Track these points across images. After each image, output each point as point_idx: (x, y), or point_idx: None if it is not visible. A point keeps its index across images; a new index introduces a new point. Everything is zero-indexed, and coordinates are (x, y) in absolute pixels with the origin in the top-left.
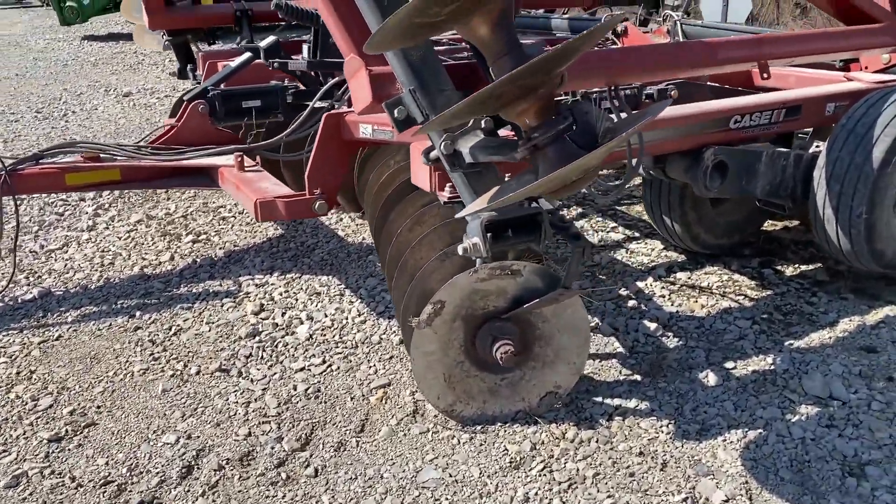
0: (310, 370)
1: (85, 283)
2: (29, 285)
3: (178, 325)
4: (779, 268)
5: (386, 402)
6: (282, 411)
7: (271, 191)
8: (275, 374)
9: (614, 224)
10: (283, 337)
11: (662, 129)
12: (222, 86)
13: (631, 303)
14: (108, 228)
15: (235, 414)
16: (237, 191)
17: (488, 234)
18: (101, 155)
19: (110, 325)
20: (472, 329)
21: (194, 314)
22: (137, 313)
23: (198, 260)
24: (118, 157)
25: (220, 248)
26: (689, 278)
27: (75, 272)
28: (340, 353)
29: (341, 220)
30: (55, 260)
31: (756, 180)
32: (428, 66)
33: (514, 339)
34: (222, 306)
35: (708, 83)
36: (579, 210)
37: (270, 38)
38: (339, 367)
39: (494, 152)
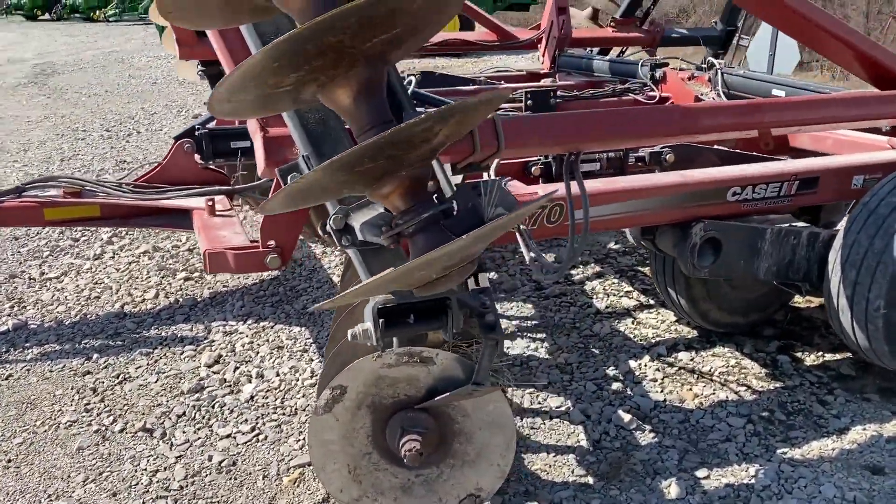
0: (235, 438)
1: (61, 318)
2: (10, 315)
3: (128, 374)
4: (799, 354)
5: (298, 486)
6: (185, 485)
7: (226, 240)
8: (198, 439)
9: (630, 288)
10: (224, 396)
11: (647, 198)
12: (213, 124)
13: (615, 385)
14: (112, 258)
15: (138, 483)
16: (199, 236)
17: (381, 320)
18: (86, 189)
19: (63, 367)
20: (382, 418)
21: (150, 361)
22: (95, 356)
23: (181, 300)
24: (99, 194)
25: (209, 288)
26: (690, 360)
27: (58, 305)
28: (275, 421)
29: (342, 263)
30: (46, 289)
31: (758, 260)
32: (328, 131)
33: (427, 433)
34: (181, 354)
35: (715, 146)
36: (597, 269)
37: None
38: (266, 438)
39: (377, 232)
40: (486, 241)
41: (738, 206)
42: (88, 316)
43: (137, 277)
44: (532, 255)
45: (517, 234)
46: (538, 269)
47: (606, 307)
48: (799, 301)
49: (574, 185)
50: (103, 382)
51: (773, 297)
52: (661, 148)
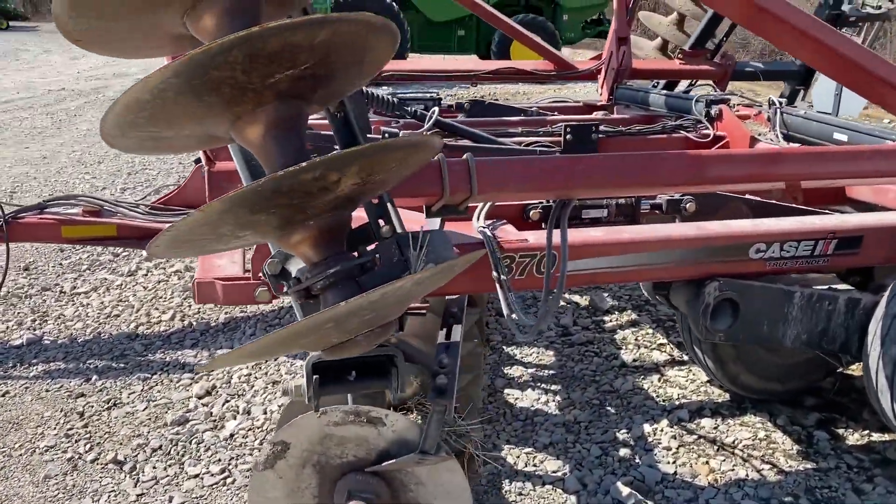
0: (202, 479)
1: (76, 335)
2: (28, 329)
3: (119, 399)
4: (841, 431)
5: None
6: None
7: (220, 269)
8: (165, 476)
9: (664, 340)
10: (205, 432)
11: (653, 251)
12: None
13: (623, 451)
14: (145, 276)
15: None
16: (197, 263)
17: (315, 377)
18: (104, 209)
19: (60, 387)
20: (329, 479)
21: (144, 387)
22: (94, 377)
23: (194, 324)
24: (117, 214)
25: (226, 313)
26: (714, 428)
27: (78, 321)
28: (248, 464)
29: None
30: (72, 304)
31: (784, 326)
32: None
33: (377, 500)
34: (177, 382)
35: (746, 195)
36: (633, 316)
37: None
38: (234, 481)
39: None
40: (401, 300)
41: (761, 264)
42: (102, 335)
43: (161, 297)
44: (509, 309)
45: (497, 284)
46: (514, 325)
47: (634, 360)
48: (854, 367)
49: (570, 234)
50: (93, 406)
51: (817, 363)
52: (682, 196)
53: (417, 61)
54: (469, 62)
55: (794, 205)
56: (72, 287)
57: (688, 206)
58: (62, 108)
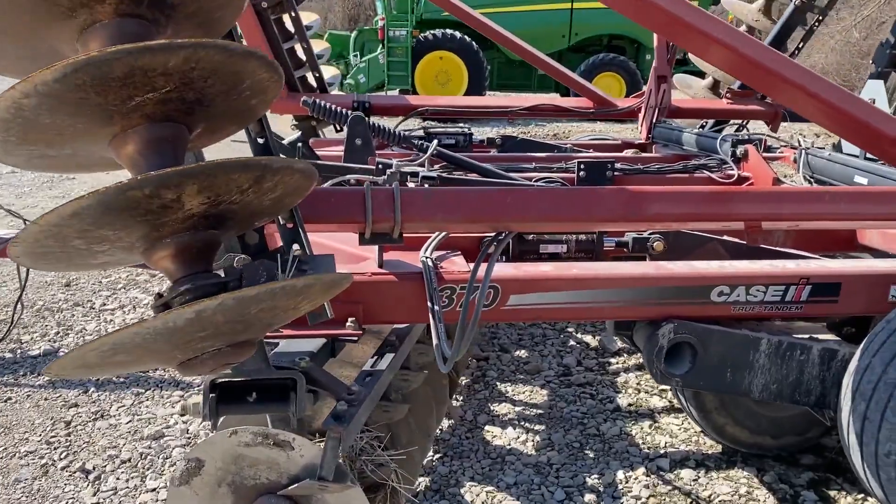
0: (158, 493)
1: None
2: (49, 340)
3: (107, 411)
4: (833, 493)
5: None
6: None
7: None
8: (125, 488)
9: (666, 387)
10: (175, 448)
11: (610, 289)
12: None
13: (588, 497)
14: None
15: None
16: None
17: (212, 395)
18: None
19: (59, 397)
20: (244, 500)
21: (135, 401)
22: (92, 389)
23: None
24: None
25: None
26: (693, 480)
27: (95, 335)
28: None
29: None
30: (97, 320)
31: (751, 375)
32: None
33: None
34: (168, 398)
35: (725, 237)
36: (640, 359)
37: (295, 135)
38: None
39: None
40: (248, 319)
41: (726, 308)
42: None
43: None
44: (437, 339)
45: (430, 315)
46: (438, 357)
47: (629, 405)
48: None
49: (521, 267)
50: (81, 416)
51: (815, 418)
52: (650, 234)
53: (452, 99)
54: (515, 99)
55: (781, 249)
56: (102, 304)
57: (655, 244)
58: None
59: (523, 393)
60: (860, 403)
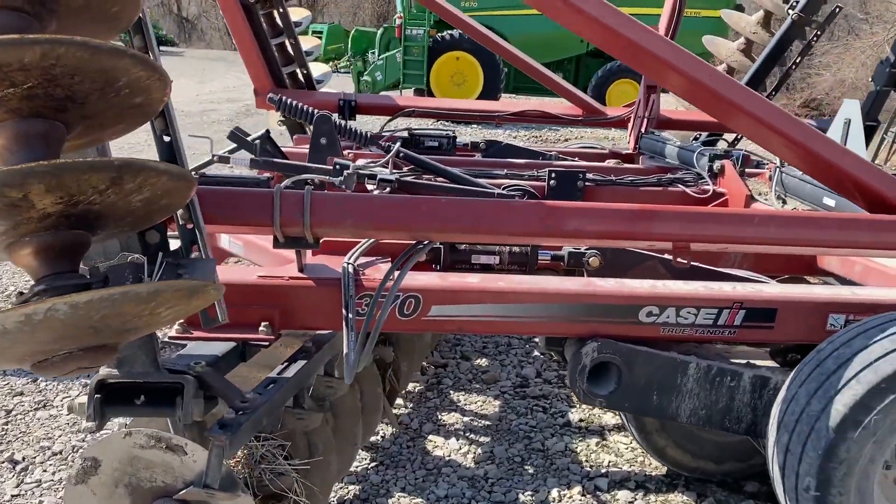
0: None
1: None
2: None
3: (51, 401)
4: None
5: None
6: None
7: None
8: (49, 481)
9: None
10: None
11: (536, 304)
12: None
13: None
14: None
15: None
16: None
17: (97, 396)
18: None
19: (7, 384)
20: (142, 501)
21: (81, 391)
22: (41, 378)
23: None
24: None
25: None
26: (629, 502)
27: None
28: None
29: None
30: None
31: (678, 399)
32: None
33: None
34: None
35: (667, 255)
36: None
37: (261, 131)
38: None
39: None
40: (100, 324)
41: (654, 329)
42: None
43: None
44: (347, 347)
45: (343, 322)
46: (345, 367)
47: (580, 420)
48: None
49: (446, 278)
50: (24, 405)
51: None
52: (587, 249)
53: (440, 101)
54: (494, 103)
55: (729, 270)
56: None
57: (591, 260)
58: None
59: (475, 403)
60: (784, 434)
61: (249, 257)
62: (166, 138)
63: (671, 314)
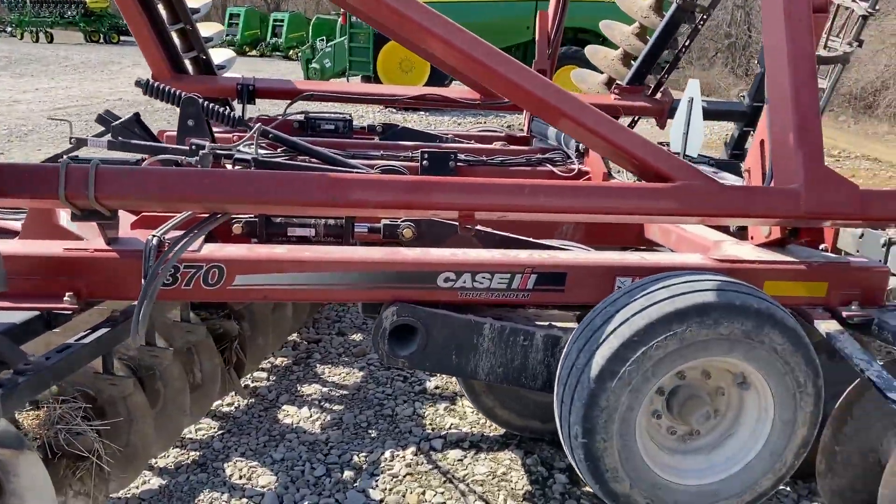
0: None
1: None
2: None
3: None
4: None
5: None
6: None
7: None
8: None
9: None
10: None
11: (340, 272)
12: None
13: (348, 474)
14: None
15: None
16: None
17: None
18: None
19: None
20: None
21: None
22: None
23: None
24: None
25: None
26: (458, 460)
27: None
28: None
29: None
30: None
31: (476, 358)
32: None
33: None
34: None
35: (478, 227)
36: None
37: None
38: None
39: None
40: None
41: (453, 293)
42: None
43: None
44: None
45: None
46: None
47: (436, 387)
48: None
49: (254, 249)
50: None
51: None
52: (402, 221)
53: (340, 84)
54: (396, 88)
55: (545, 241)
56: None
57: (404, 231)
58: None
59: (338, 375)
60: (560, 387)
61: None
62: None
63: (467, 279)
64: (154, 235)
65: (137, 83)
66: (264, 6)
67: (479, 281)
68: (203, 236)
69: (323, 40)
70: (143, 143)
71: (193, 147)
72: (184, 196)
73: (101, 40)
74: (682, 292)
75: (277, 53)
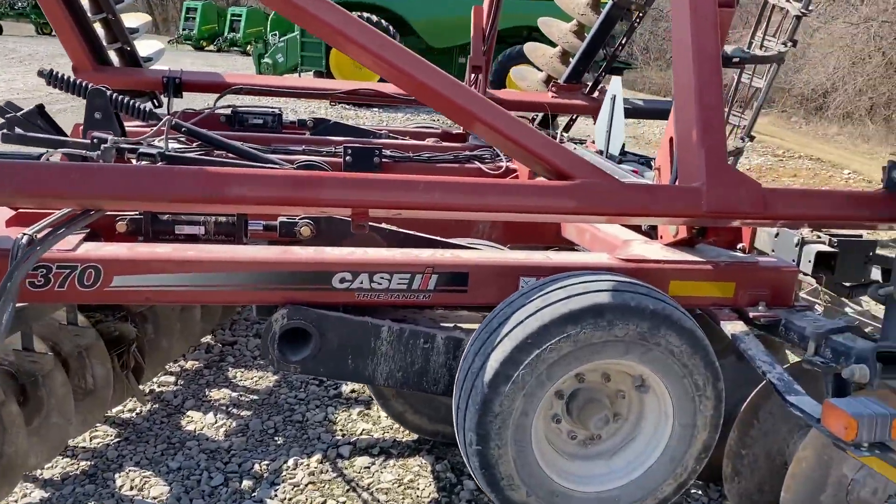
0: None
1: None
2: None
3: None
4: None
5: None
6: None
7: None
8: None
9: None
10: None
11: (228, 273)
12: None
13: (246, 483)
14: None
15: None
16: None
17: None
18: None
19: None
20: None
21: None
22: None
23: None
24: None
25: None
26: (365, 468)
27: None
28: None
29: None
30: None
31: (374, 363)
32: None
33: None
34: None
35: (384, 225)
36: None
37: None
38: None
39: None
40: None
41: (350, 294)
42: None
43: None
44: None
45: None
46: None
47: (352, 391)
48: None
49: (135, 248)
50: None
51: None
52: (300, 218)
53: (271, 78)
54: (330, 82)
55: (454, 240)
56: None
57: (302, 229)
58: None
59: (251, 379)
60: (457, 392)
61: None
62: None
63: (364, 280)
64: (24, 234)
65: (40, 73)
66: (223, 1)
67: (378, 282)
68: (79, 235)
69: (276, 35)
70: (41, 136)
71: (95, 141)
72: (54, 192)
73: (53, 32)
74: (578, 293)
75: (235, 48)
